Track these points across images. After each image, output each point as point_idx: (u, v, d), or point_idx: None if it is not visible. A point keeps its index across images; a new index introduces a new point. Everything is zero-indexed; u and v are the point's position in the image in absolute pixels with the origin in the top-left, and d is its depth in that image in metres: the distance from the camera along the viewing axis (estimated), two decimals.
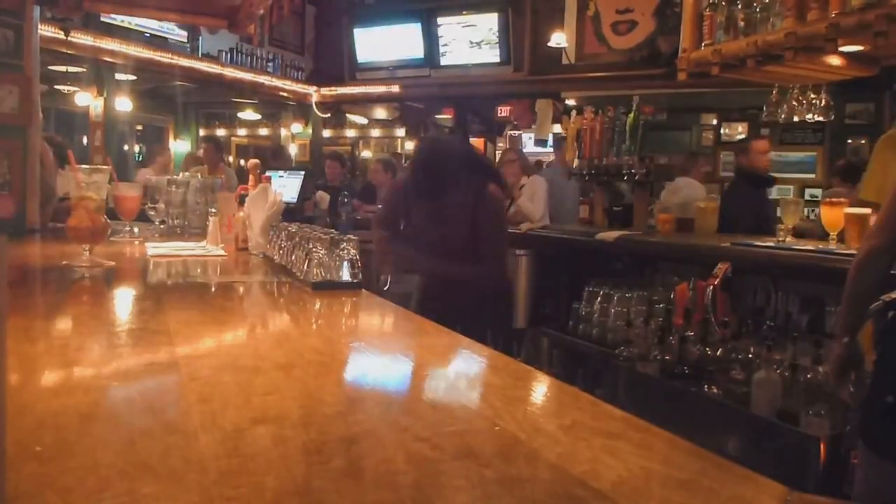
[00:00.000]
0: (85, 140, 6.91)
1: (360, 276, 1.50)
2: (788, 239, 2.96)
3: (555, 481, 0.56)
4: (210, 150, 6.20)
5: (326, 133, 9.52)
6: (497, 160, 6.74)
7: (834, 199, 2.89)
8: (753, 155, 4.26)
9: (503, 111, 8.94)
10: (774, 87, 3.41)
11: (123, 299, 1.49)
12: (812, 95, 3.35)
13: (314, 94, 8.43)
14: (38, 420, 0.63)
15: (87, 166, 1.79)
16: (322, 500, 0.50)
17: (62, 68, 6.50)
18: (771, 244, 2.80)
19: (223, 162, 6.50)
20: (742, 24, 3.00)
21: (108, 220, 1.81)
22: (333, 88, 8.35)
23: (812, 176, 7.64)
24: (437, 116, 10.28)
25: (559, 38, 6.47)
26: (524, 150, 6.39)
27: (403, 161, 9.61)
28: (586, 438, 0.65)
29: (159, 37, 6.63)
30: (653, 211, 4.01)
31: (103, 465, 0.54)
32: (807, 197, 7.15)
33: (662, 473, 0.59)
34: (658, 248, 3.35)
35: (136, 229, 2.59)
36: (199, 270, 1.90)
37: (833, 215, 2.79)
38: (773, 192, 7.74)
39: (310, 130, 8.98)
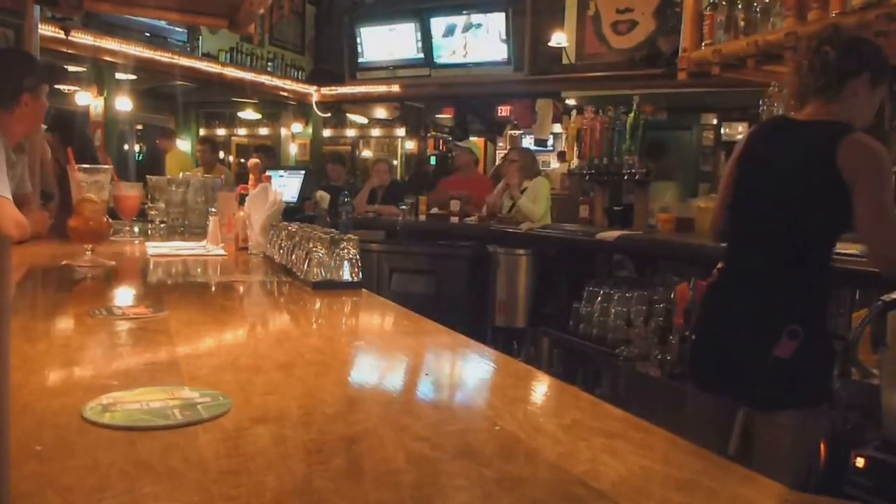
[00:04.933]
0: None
1: (361, 275, 1.50)
2: None
3: (555, 481, 0.56)
4: (206, 150, 6.18)
5: (327, 133, 9.52)
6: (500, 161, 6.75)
7: None
8: None
9: (503, 111, 8.94)
10: (773, 85, 3.41)
11: (124, 299, 1.49)
12: None
13: (314, 93, 8.44)
14: (38, 419, 0.63)
15: (88, 166, 1.79)
16: (322, 499, 0.50)
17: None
18: None
19: (220, 162, 6.49)
20: (742, 23, 3.00)
21: (111, 221, 1.82)
22: (333, 88, 8.36)
23: None
24: (437, 116, 10.28)
25: (559, 38, 6.47)
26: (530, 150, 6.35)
27: (403, 160, 9.63)
28: (586, 438, 0.65)
29: (159, 36, 6.64)
30: (653, 211, 4.01)
31: (103, 465, 0.54)
32: None
33: (662, 473, 0.59)
34: (658, 248, 3.35)
35: (136, 229, 2.59)
36: (199, 270, 1.90)
37: None
38: None
39: (310, 130, 8.98)
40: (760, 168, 1.86)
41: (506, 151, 7.16)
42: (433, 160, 9.96)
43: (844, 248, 2.50)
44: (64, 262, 1.73)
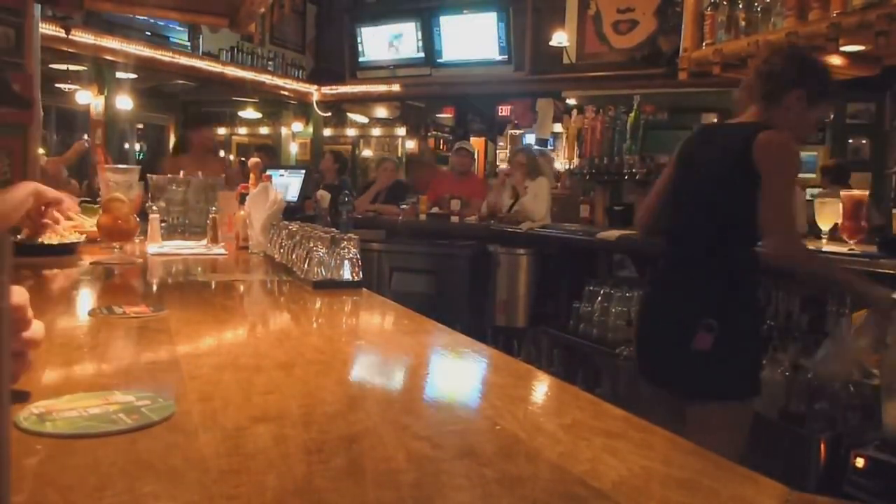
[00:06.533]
0: (86, 138, 6.91)
1: (361, 274, 1.50)
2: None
3: (555, 480, 0.56)
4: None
5: (327, 132, 9.51)
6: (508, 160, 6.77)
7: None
8: None
9: (504, 110, 8.94)
10: None
11: (125, 298, 1.49)
12: None
13: (315, 92, 8.43)
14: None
15: (121, 166, 1.83)
16: (323, 498, 0.50)
17: (63, 66, 6.50)
18: None
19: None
20: (743, 23, 3.00)
21: (139, 221, 1.87)
22: (334, 87, 8.35)
23: (813, 175, 7.64)
24: (438, 115, 10.28)
25: (560, 38, 6.46)
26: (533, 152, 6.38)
27: (403, 160, 9.63)
28: (587, 438, 0.65)
29: (160, 35, 6.63)
30: None
31: (104, 464, 0.54)
32: (807, 196, 7.14)
33: (663, 473, 0.59)
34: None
35: None
36: (199, 269, 1.90)
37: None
38: None
39: (310, 129, 8.97)
40: (690, 168, 1.96)
41: (510, 153, 7.18)
42: (434, 159, 9.96)
43: (843, 247, 2.50)
44: (93, 261, 1.75)
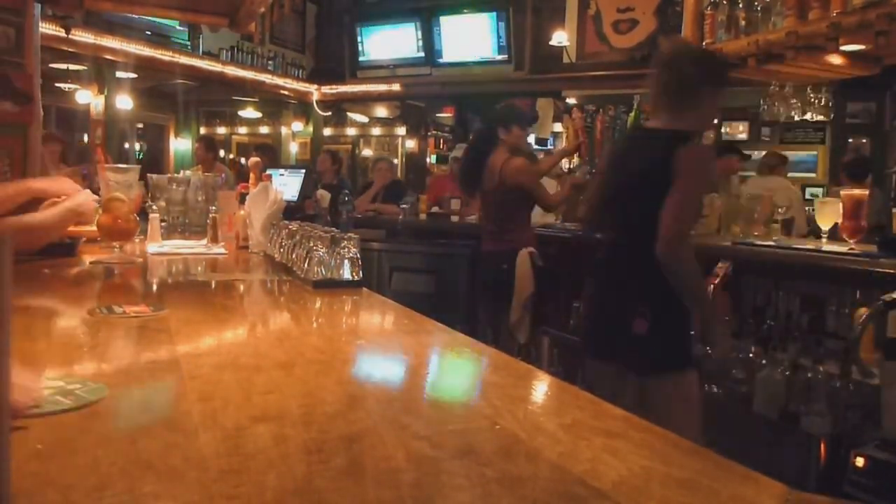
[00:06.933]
0: (86, 138, 6.91)
1: (361, 274, 1.50)
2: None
3: (555, 480, 0.56)
4: (200, 148, 6.14)
5: (327, 131, 9.52)
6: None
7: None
8: None
9: None
10: (773, 85, 3.41)
11: (125, 297, 1.49)
12: (812, 94, 3.35)
13: (315, 92, 8.43)
14: (38, 419, 0.63)
15: (121, 165, 1.84)
16: (323, 498, 0.50)
17: (63, 66, 6.49)
18: (771, 244, 2.80)
19: (219, 160, 6.47)
20: (743, 23, 3.00)
21: (139, 220, 1.87)
22: (334, 87, 8.35)
23: (813, 175, 7.64)
24: (438, 115, 10.27)
25: (560, 37, 6.46)
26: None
27: (404, 159, 9.63)
28: (587, 437, 0.65)
29: (160, 35, 6.63)
30: None
31: (104, 463, 0.54)
32: (807, 196, 7.14)
33: (663, 472, 0.59)
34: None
35: None
36: (199, 269, 1.90)
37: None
38: None
39: (310, 129, 8.97)
40: (620, 171, 2.13)
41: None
42: (435, 159, 9.96)
43: (844, 247, 2.50)
44: (93, 260, 1.75)
